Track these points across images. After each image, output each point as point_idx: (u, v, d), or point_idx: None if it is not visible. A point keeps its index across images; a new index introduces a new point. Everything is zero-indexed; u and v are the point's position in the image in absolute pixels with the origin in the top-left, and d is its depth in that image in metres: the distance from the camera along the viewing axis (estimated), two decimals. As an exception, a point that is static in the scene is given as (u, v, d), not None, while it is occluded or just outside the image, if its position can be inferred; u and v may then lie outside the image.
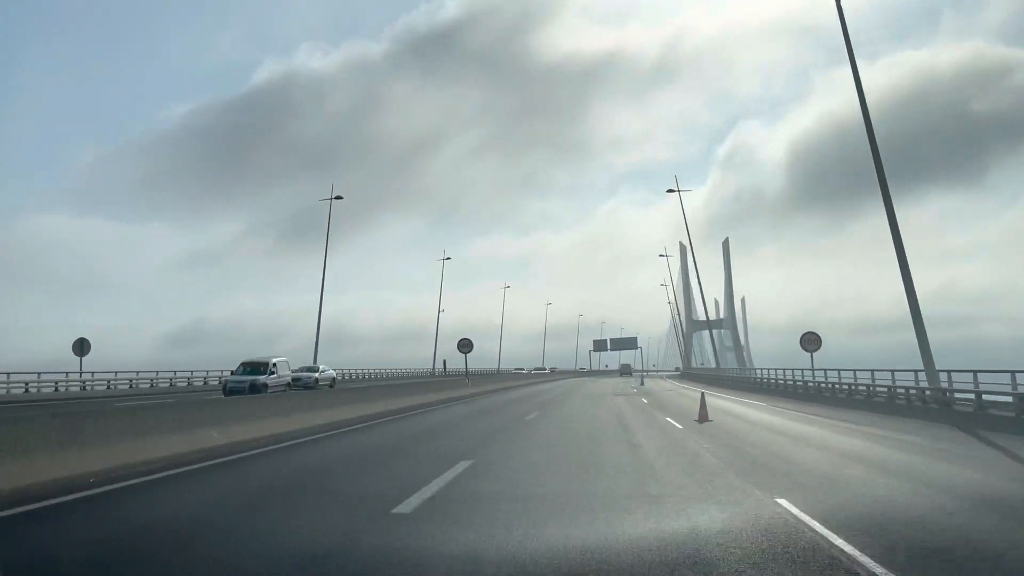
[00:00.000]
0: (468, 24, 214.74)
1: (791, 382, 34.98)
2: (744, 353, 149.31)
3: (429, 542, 5.99)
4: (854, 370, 27.34)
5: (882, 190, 22.66)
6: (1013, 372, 16.71)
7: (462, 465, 10.24)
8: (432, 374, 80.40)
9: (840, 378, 28.35)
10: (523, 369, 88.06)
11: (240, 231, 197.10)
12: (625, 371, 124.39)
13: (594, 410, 23.68)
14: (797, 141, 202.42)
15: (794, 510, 6.93)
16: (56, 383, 35.65)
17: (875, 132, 22.83)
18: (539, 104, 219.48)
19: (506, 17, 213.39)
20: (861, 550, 5.41)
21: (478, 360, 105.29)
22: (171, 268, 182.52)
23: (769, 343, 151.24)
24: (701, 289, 75.83)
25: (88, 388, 36.60)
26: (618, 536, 6.13)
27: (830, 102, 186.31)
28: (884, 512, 7.19)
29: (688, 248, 63.03)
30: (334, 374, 40.87)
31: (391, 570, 5.17)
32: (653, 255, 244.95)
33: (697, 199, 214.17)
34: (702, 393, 23.42)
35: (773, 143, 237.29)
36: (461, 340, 41.92)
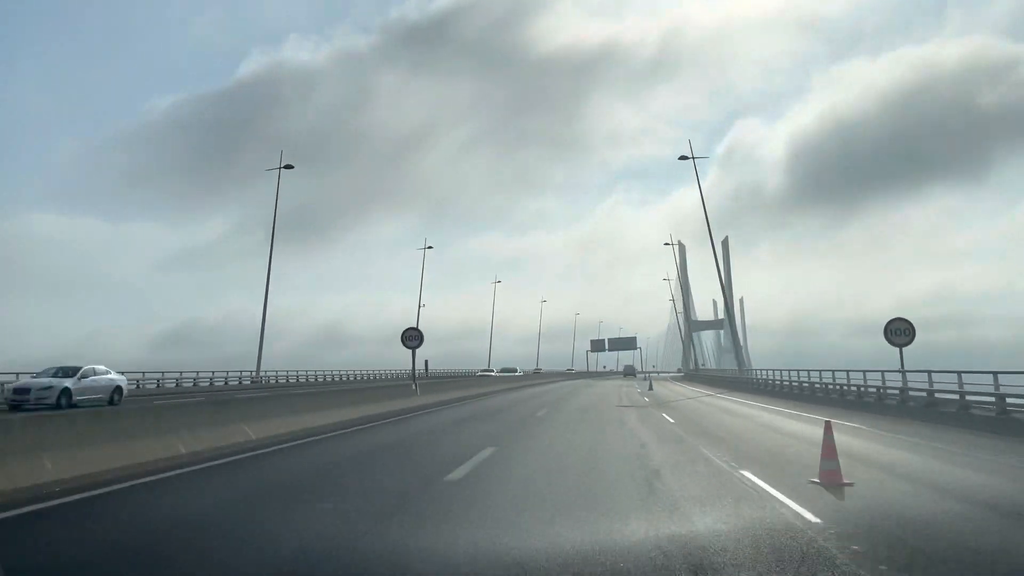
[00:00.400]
0: (460, 15, 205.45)
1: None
2: (744, 354, 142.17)
3: None
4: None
5: None
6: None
7: None
8: (413, 376, 72.49)
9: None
10: (491, 371, 72.20)
11: (229, 228, 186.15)
12: (629, 372, 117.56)
13: (594, 445, 13.75)
14: (796, 138, 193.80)
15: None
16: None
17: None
18: (533, 98, 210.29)
19: (499, 7, 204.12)
20: None
21: (474, 361, 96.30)
22: (158, 267, 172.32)
23: (766, 345, 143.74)
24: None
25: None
26: None
27: (830, 98, 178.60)
28: None
29: (708, 226, 53.43)
30: (118, 381, 27.20)
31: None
32: (651, 254, 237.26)
33: (694, 197, 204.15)
34: (827, 423, 9.78)
35: (772, 140, 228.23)
36: (407, 331, 30.85)
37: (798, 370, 36.71)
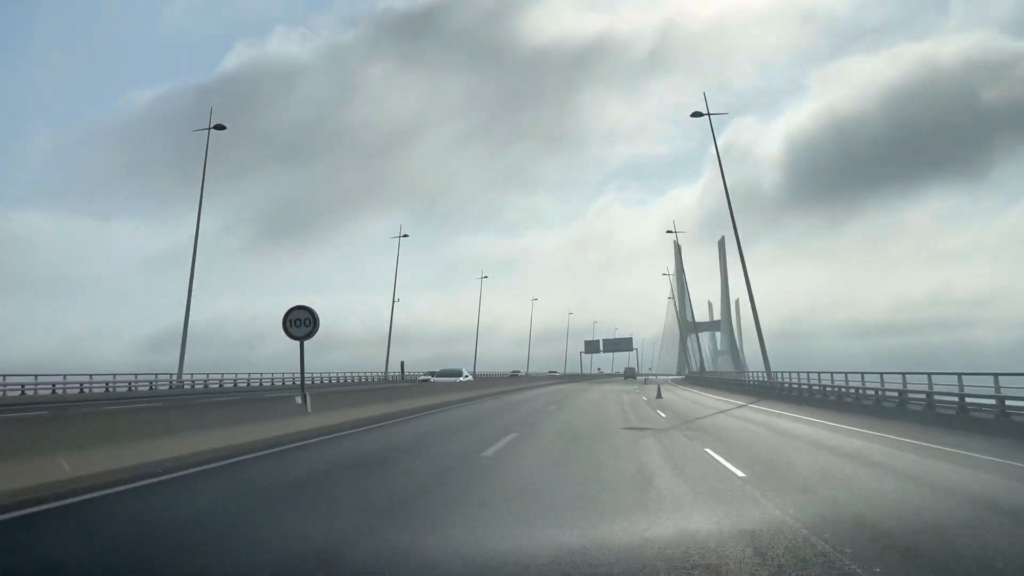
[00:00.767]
0: (449, 6, 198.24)
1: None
2: (740, 356, 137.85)
3: None
4: None
5: None
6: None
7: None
8: (387, 380, 66.86)
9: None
10: (430, 378, 49.50)
11: (215, 227, 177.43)
12: (629, 375, 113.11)
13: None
14: (793, 136, 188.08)
15: None
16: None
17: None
18: (525, 93, 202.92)
19: None
20: None
21: (464, 363, 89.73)
22: (141, 267, 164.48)
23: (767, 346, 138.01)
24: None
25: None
26: None
27: (828, 95, 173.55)
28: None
29: (729, 214, 47.56)
30: None
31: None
32: (646, 254, 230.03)
33: (690, 197, 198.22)
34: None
35: (769, 138, 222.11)
36: (291, 311, 15.40)
37: (831, 373, 31.47)
